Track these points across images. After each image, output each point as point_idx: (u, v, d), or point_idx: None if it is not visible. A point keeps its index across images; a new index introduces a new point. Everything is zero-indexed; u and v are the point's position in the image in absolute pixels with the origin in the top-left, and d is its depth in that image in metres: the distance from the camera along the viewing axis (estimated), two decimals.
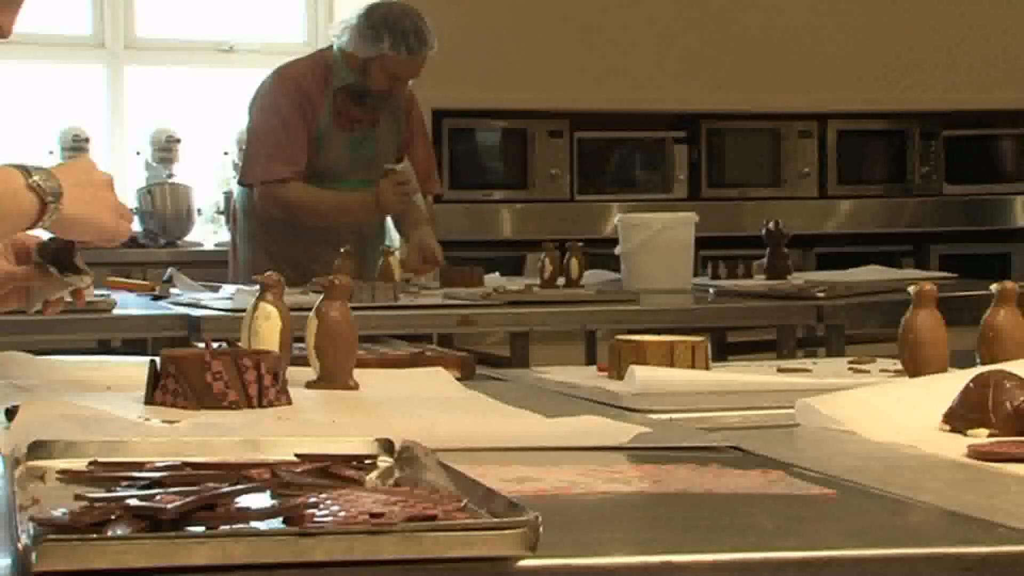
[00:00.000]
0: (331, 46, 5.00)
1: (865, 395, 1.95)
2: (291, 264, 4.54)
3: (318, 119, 4.91)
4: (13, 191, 1.98)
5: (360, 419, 1.95)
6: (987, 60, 7.59)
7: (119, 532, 1.11)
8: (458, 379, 2.32)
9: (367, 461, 1.48)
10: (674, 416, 1.99)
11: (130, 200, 6.82)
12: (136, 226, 6.77)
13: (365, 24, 4.85)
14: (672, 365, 2.35)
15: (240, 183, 5.12)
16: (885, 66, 7.45)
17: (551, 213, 7.13)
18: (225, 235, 6.92)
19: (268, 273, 2.23)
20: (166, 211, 6.80)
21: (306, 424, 1.88)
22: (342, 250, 4.47)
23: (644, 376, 2.25)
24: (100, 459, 1.47)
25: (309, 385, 2.16)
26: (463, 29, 6.76)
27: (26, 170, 2.01)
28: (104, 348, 4.31)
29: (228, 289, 4.27)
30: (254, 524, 1.15)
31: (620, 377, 2.33)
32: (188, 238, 6.90)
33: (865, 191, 7.63)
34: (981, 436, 1.74)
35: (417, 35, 4.84)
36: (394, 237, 5.37)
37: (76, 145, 6.72)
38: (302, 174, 4.89)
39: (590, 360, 4.92)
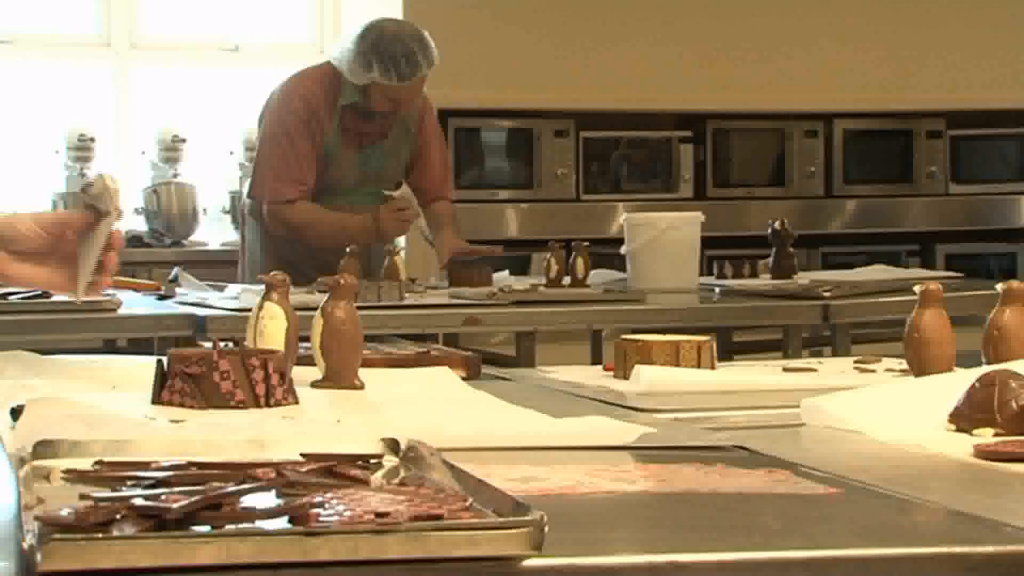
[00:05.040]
0: None
1: (871, 395, 1.95)
2: (296, 269, 4.55)
3: (326, 136, 4.88)
4: None
5: (365, 418, 1.95)
6: (993, 59, 7.58)
7: (124, 532, 1.11)
8: (464, 379, 2.32)
9: (372, 461, 1.48)
10: (680, 416, 1.99)
11: (135, 200, 6.83)
12: (142, 226, 6.78)
13: (357, 49, 4.77)
14: (678, 365, 2.35)
15: (248, 196, 5.12)
16: (890, 65, 7.45)
17: (557, 212, 7.12)
18: (230, 235, 6.93)
19: (273, 273, 2.23)
20: (172, 211, 6.81)
21: (311, 424, 1.88)
22: (347, 250, 4.47)
23: (650, 376, 2.25)
24: (106, 459, 1.47)
25: (315, 384, 2.16)
26: (469, 29, 6.76)
27: None
28: (110, 348, 4.31)
29: (234, 288, 4.28)
30: (259, 524, 1.15)
31: (626, 377, 2.33)
32: (193, 237, 6.90)
33: (871, 191, 7.63)
34: (987, 436, 1.74)
35: (408, 60, 4.73)
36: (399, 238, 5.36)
37: (82, 144, 6.73)
38: (309, 192, 4.88)
39: (596, 360, 4.92)
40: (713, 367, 2.40)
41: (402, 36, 4.79)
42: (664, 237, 4.73)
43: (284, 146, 4.89)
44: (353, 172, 4.93)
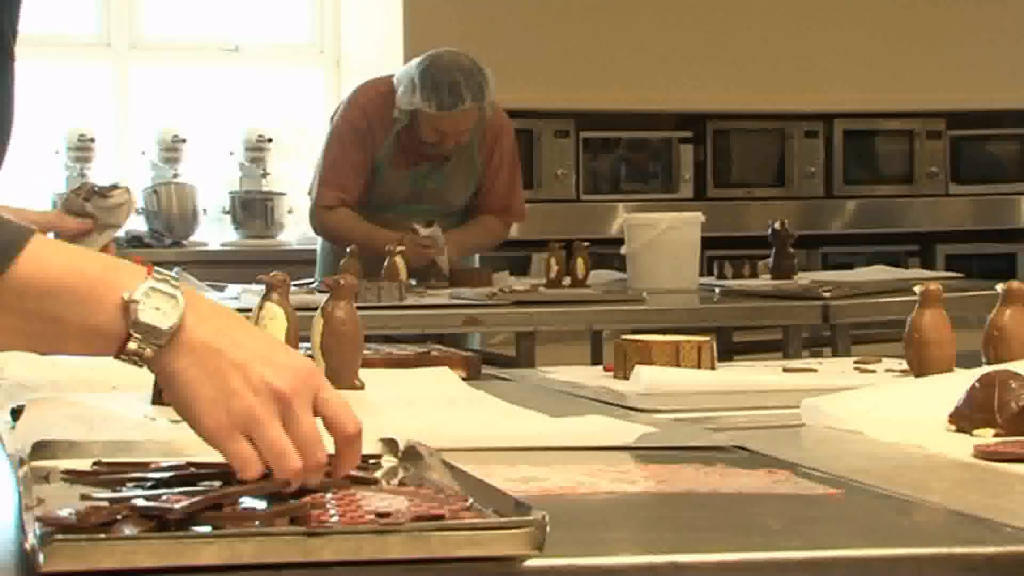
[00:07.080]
0: None
1: (871, 395, 1.95)
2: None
3: (378, 150, 4.91)
4: (91, 294, 1.28)
5: (365, 419, 1.94)
6: (993, 59, 7.58)
7: (126, 532, 1.11)
8: (464, 379, 2.32)
9: (372, 461, 1.48)
10: (680, 416, 1.99)
11: (136, 200, 6.83)
12: (142, 226, 6.77)
13: (409, 73, 4.82)
14: (678, 365, 2.35)
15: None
16: (891, 66, 7.45)
17: (557, 213, 7.12)
18: (230, 235, 6.94)
19: (273, 273, 2.23)
20: (172, 211, 6.80)
21: None
22: (347, 250, 4.47)
23: (650, 376, 2.25)
24: (105, 459, 1.47)
25: None
26: (468, 29, 6.76)
27: (155, 287, 1.28)
28: None
29: (234, 289, 4.28)
30: (261, 524, 1.15)
31: (626, 377, 2.33)
32: (193, 238, 6.90)
33: (871, 191, 7.63)
34: (987, 436, 1.74)
35: (451, 91, 4.73)
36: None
37: (82, 145, 6.73)
38: (352, 202, 4.95)
39: (596, 360, 4.92)
40: (713, 367, 2.40)
41: (451, 67, 4.78)
42: (664, 237, 4.73)
43: (335, 153, 4.99)
44: (403, 189, 4.95)
